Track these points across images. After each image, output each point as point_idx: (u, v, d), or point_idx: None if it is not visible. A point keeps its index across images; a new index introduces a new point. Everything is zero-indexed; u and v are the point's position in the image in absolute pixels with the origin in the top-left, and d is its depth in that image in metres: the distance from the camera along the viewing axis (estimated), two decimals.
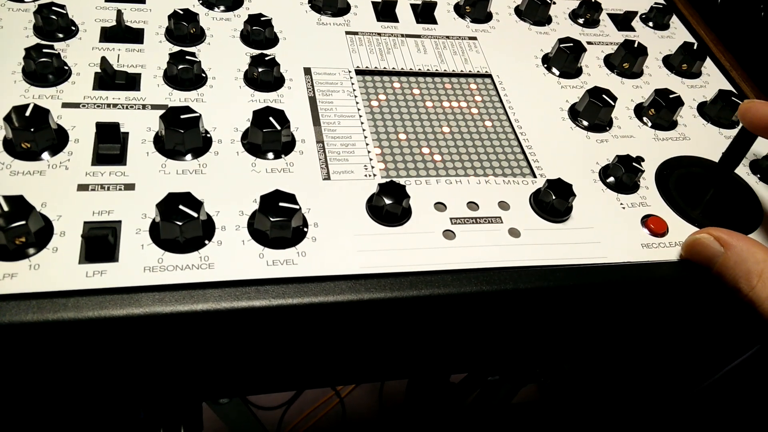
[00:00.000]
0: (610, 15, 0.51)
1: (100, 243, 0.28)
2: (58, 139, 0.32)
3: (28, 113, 0.31)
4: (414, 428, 1.22)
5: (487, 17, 0.47)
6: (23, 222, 0.27)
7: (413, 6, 0.46)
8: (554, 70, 0.44)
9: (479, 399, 0.78)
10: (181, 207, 0.29)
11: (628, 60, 0.45)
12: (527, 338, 0.38)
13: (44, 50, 0.34)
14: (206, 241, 0.30)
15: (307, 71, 0.39)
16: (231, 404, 0.51)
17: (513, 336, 0.37)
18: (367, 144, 0.36)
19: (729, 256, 0.32)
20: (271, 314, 0.29)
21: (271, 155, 0.34)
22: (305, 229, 0.31)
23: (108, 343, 0.29)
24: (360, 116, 0.38)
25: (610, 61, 0.46)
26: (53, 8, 0.37)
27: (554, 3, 0.49)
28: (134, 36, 0.38)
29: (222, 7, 0.42)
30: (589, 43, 0.47)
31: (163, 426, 0.43)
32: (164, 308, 0.28)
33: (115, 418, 0.43)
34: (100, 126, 0.32)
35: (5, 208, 0.27)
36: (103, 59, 0.35)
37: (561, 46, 0.43)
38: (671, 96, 0.41)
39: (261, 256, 0.30)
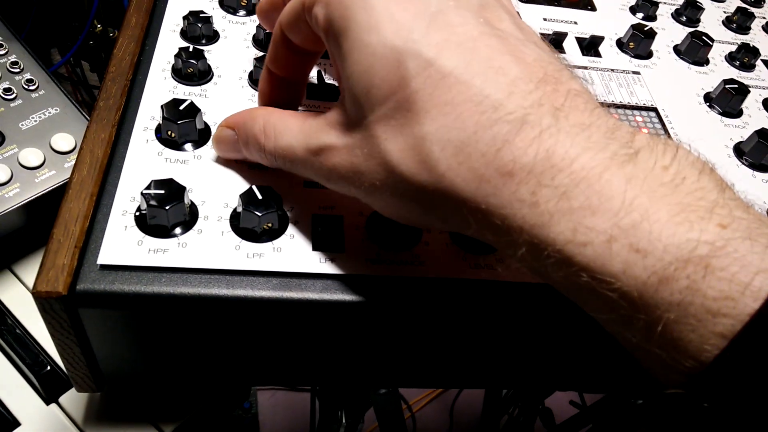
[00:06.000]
0: (765, 61, 0.52)
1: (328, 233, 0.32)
2: None
3: None
4: None
5: (648, 54, 0.49)
6: (274, 209, 0.31)
7: (579, 39, 0.49)
8: (716, 108, 0.46)
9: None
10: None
11: None
12: None
13: None
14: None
15: None
16: (388, 395, 0.54)
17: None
18: None
19: (240, 134, 0.32)
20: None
21: None
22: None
23: (323, 324, 0.32)
24: None
25: None
26: None
27: (711, 45, 0.51)
28: None
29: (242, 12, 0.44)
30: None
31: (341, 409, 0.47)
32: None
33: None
34: None
35: (259, 196, 0.31)
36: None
37: (726, 86, 0.45)
38: None
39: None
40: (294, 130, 0.29)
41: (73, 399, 0.39)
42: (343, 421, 0.50)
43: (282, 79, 0.34)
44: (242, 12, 0.45)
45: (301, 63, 0.34)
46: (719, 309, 0.20)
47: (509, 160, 0.23)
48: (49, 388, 0.40)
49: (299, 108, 0.37)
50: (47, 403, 0.40)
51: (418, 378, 0.40)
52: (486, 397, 1.08)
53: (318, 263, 0.31)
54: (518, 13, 0.48)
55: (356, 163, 0.26)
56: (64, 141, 0.45)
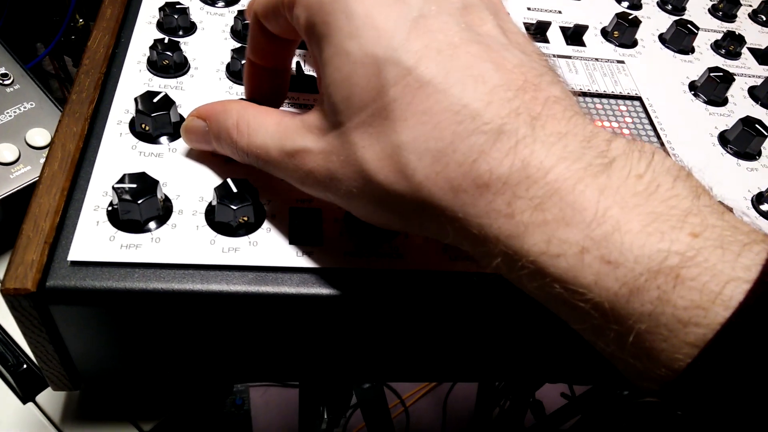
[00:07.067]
0: (750, 49, 0.52)
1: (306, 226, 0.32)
2: None
3: None
4: None
5: (633, 43, 0.49)
6: (249, 203, 0.31)
7: (563, 29, 0.49)
8: (702, 96, 0.45)
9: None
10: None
11: None
12: None
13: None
14: None
15: None
16: (372, 389, 0.54)
17: None
18: None
19: (212, 126, 0.31)
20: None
21: None
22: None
23: (307, 318, 0.32)
24: None
25: (754, 93, 0.47)
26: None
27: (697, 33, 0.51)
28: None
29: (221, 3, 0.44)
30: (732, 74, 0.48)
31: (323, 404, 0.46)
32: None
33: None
34: None
35: (234, 189, 0.31)
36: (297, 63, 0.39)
37: (711, 75, 0.45)
38: None
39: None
40: (269, 130, 0.29)
41: (50, 398, 0.39)
42: (325, 415, 0.50)
43: (265, 69, 0.33)
44: (220, 3, 0.44)
45: (281, 50, 0.33)
46: (690, 318, 0.20)
47: (485, 170, 0.22)
48: (25, 387, 0.39)
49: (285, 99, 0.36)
50: (24, 402, 0.39)
51: (402, 372, 0.40)
52: (479, 391, 1.08)
53: (295, 257, 0.31)
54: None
55: (332, 169, 0.26)
56: (39, 136, 0.44)
